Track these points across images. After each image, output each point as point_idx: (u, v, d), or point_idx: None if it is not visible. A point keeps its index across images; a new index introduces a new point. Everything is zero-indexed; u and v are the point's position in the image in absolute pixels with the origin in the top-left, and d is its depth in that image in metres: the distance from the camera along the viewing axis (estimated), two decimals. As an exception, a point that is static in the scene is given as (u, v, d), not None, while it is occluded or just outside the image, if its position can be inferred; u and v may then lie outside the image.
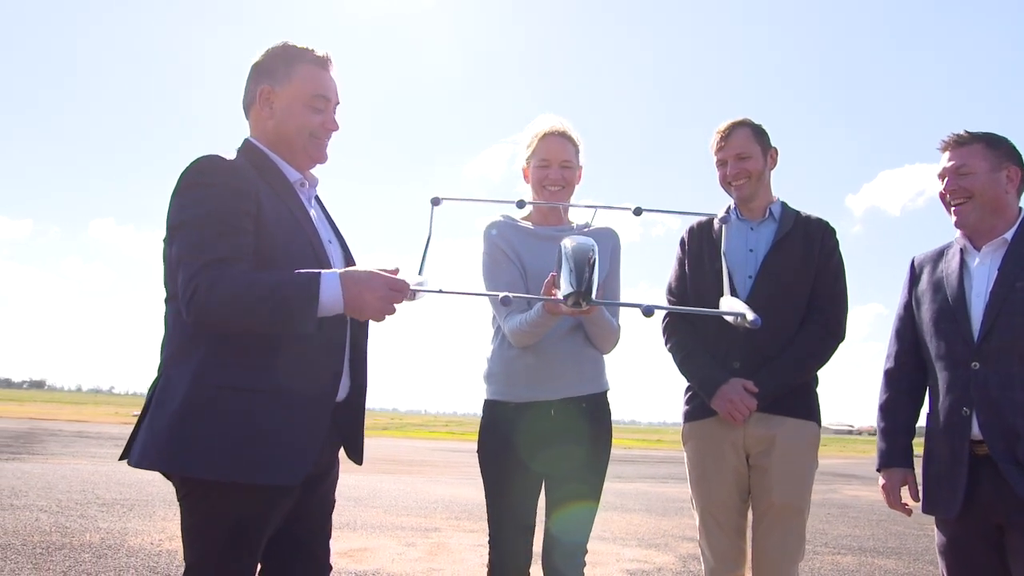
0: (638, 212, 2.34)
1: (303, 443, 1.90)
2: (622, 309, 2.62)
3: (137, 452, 1.87)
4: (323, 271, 1.82)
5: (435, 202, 2.35)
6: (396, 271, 1.89)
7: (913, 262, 2.70)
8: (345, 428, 2.14)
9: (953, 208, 2.52)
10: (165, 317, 1.96)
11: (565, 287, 1.86)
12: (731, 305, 1.94)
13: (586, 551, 2.55)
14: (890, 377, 2.68)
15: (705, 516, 2.77)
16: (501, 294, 1.90)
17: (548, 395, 2.51)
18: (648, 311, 1.82)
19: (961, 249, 2.54)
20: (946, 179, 2.52)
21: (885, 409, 2.67)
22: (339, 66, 2.15)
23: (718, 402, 2.67)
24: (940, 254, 2.62)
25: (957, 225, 2.53)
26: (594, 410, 2.58)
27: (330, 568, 2.14)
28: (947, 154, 2.54)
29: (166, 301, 1.95)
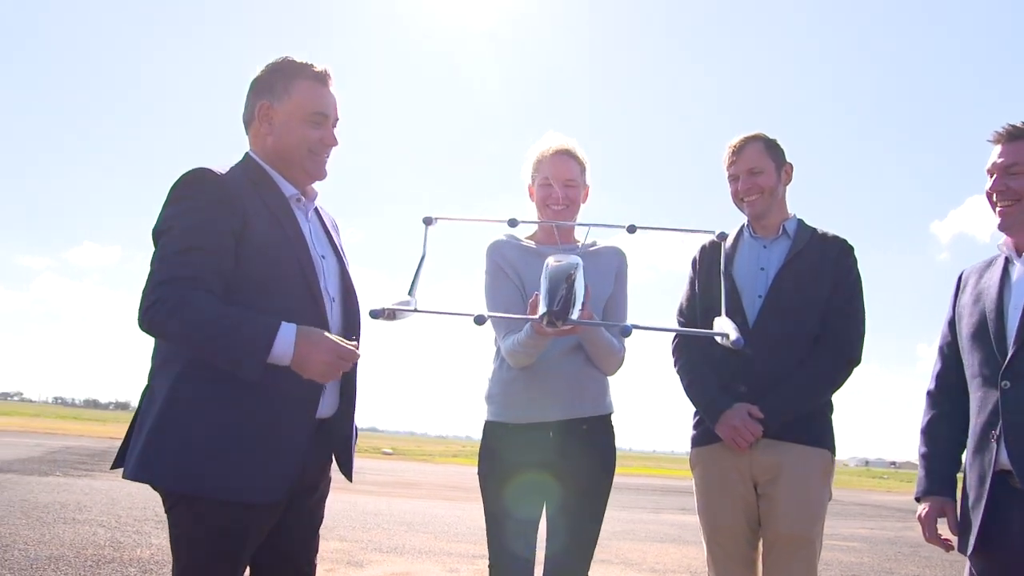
0: (632, 230, 2.28)
1: (281, 462, 1.91)
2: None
3: (127, 465, 1.92)
4: (283, 323, 1.84)
5: (428, 222, 2.33)
6: (356, 345, 1.95)
7: (961, 275, 2.47)
8: (336, 444, 2.15)
9: (998, 209, 2.27)
10: None
11: (541, 307, 1.83)
12: (721, 325, 1.88)
13: (587, 577, 2.47)
14: (931, 398, 2.48)
15: (712, 545, 2.67)
16: (475, 314, 1.87)
17: (546, 416, 2.45)
18: (626, 331, 1.78)
19: (1006, 258, 2.31)
20: (994, 176, 2.27)
21: (925, 433, 2.46)
22: (338, 82, 2.14)
23: (721, 428, 2.57)
24: (988, 264, 2.39)
25: (1001, 228, 2.29)
26: (595, 432, 2.51)
27: None
28: (998, 148, 2.27)
29: None
